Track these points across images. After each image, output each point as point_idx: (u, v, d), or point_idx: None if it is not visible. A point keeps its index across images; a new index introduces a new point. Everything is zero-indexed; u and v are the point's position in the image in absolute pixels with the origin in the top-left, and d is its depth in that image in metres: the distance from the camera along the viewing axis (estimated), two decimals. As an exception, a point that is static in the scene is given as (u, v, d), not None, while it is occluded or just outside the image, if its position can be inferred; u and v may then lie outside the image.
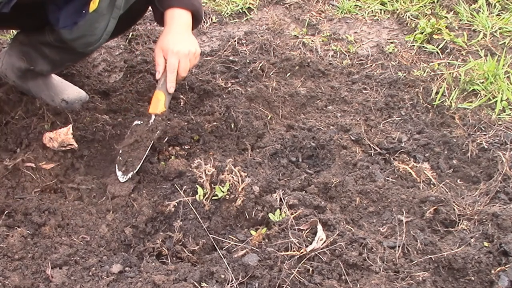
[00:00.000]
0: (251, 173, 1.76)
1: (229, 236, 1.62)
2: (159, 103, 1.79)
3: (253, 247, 1.53)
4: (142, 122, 1.85)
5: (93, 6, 1.56)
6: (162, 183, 1.79)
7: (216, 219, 1.66)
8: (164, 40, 1.79)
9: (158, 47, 1.82)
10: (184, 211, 1.67)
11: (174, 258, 1.59)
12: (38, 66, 1.98)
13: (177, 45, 1.77)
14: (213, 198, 1.67)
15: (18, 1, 1.49)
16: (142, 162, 1.78)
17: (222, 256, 1.53)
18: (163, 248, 1.60)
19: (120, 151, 1.83)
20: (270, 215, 1.63)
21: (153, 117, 1.81)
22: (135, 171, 1.78)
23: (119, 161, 1.82)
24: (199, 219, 1.65)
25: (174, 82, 1.79)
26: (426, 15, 2.90)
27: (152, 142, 1.81)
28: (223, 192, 1.65)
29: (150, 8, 2.00)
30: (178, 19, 1.82)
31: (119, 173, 1.80)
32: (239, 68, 2.43)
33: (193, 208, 1.66)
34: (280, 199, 1.68)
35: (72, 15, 1.61)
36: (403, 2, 3.00)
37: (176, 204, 1.68)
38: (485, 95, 2.32)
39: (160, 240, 1.62)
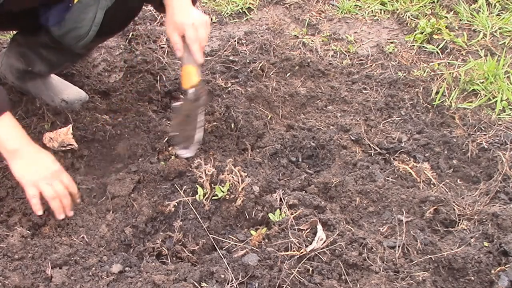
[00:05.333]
0: (251, 173, 1.76)
1: (229, 236, 1.62)
2: (191, 76, 1.77)
3: (253, 247, 1.53)
4: (180, 101, 1.86)
5: None
6: (162, 183, 1.79)
7: (216, 219, 1.66)
8: (174, 17, 1.75)
9: (170, 26, 1.77)
10: (184, 211, 1.67)
11: (174, 258, 1.59)
12: (36, 67, 1.98)
13: (189, 17, 1.73)
14: (213, 198, 1.67)
15: (7, 9, 1.50)
16: (197, 132, 1.81)
17: (222, 256, 1.53)
18: (163, 248, 1.59)
19: (173, 133, 1.87)
20: (270, 215, 1.63)
21: (190, 90, 1.78)
22: (194, 142, 1.82)
23: (177, 142, 1.87)
24: (199, 219, 1.65)
25: (200, 52, 1.75)
26: (426, 15, 2.90)
27: (202, 111, 1.81)
28: (223, 192, 1.65)
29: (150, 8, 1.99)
30: None
31: (181, 152, 1.84)
32: (239, 68, 2.43)
33: (193, 208, 1.66)
34: (280, 199, 1.68)
35: (60, 11, 1.62)
36: (403, 2, 3.00)
37: (176, 204, 1.68)
38: (485, 95, 2.32)
39: (160, 240, 1.61)
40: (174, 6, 1.75)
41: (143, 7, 2.17)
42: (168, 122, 2.06)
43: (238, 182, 1.67)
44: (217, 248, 1.59)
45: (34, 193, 1.57)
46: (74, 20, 1.64)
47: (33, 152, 1.59)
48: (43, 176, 1.58)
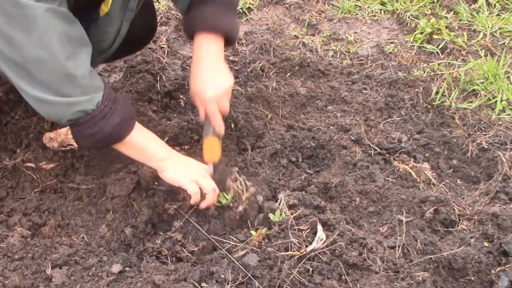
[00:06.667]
0: (255, 183, 1.75)
1: (229, 236, 1.62)
2: (214, 150, 1.66)
3: (253, 247, 1.53)
4: None
5: (104, 9, 1.50)
6: (162, 184, 1.78)
7: (216, 221, 1.66)
8: (197, 83, 1.62)
9: (192, 90, 1.66)
10: (185, 212, 1.67)
11: (174, 258, 1.59)
12: None
13: (210, 89, 1.60)
14: (217, 205, 1.66)
15: None
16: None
17: (222, 256, 1.53)
18: (163, 248, 1.59)
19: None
20: (270, 215, 1.63)
21: (211, 165, 1.67)
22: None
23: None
24: (200, 220, 1.65)
25: (221, 124, 1.65)
26: (426, 15, 2.90)
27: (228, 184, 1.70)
28: (227, 199, 1.65)
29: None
30: (207, 49, 1.61)
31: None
32: (239, 68, 2.43)
33: (193, 221, 1.66)
34: (283, 201, 1.68)
35: (84, 22, 1.51)
36: (403, 2, 3.00)
37: (176, 207, 1.68)
38: (485, 95, 2.32)
39: (160, 240, 1.61)
40: (198, 63, 1.61)
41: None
42: (168, 122, 2.06)
43: (243, 191, 1.67)
44: (217, 248, 1.59)
45: (196, 190, 1.58)
46: (99, 34, 1.57)
47: (179, 155, 1.64)
48: (198, 173, 1.61)
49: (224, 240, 1.60)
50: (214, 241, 1.61)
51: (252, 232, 1.58)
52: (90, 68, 1.38)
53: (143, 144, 1.55)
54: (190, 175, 1.59)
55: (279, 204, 1.68)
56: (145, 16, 1.76)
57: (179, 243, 1.61)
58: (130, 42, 1.68)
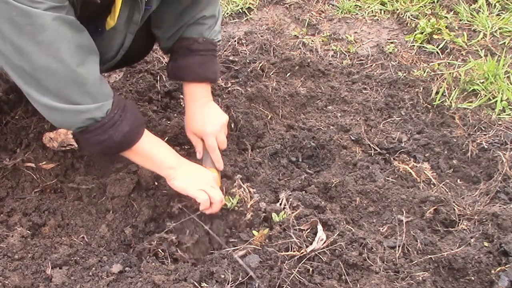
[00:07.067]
0: (259, 190, 1.76)
1: (230, 238, 1.62)
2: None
3: (255, 247, 1.53)
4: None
5: (111, 23, 1.49)
6: (162, 183, 1.78)
7: (218, 221, 1.66)
8: (194, 124, 1.77)
9: (189, 132, 1.80)
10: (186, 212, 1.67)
11: (173, 259, 1.59)
12: None
13: (208, 125, 1.75)
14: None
15: None
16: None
17: (222, 256, 1.53)
18: (163, 248, 1.59)
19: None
20: (273, 214, 1.62)
21: None
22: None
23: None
24: (200, 220, 1.65)
25: (220, 159, 1.77)
26: (426, 15, 2.90)
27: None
28: (232, 203, 1.65)
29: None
30: (199, 97, 1.77)
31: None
32: (239, 68, 2.43)
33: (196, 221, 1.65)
34: (285, 200, 1.68)
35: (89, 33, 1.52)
36: (403, 2, 3.00)
37: (177, 204, 1.68)
38: (485, 95, 2.32)
39: (160, 240, 1.61)
40: (193, 109, 1.76)
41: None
42: (168, 122, 2.06)
43: (247, 198, 1.67)
44: (217, 248, 1.59)
45: (205, 198, 1.58)
46: (104, 46, 1.57)
47: (187, 163, 1.64)
48: (206, 182, 1.61)
49: (230, 240, 1.60)
50: (218, 238, 1.60)
51: (254, 232, 1.58)
52: (99, 75, 1.38)
53: (153, 152, 1.55)
54: (198, 183, 1.59)
55: (280, 204, 1.68)
56: (147, 28, 1.77)
57: (179, 243, 1.61)
58: (131, 53, 1.69)
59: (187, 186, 1.58)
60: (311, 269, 1.46)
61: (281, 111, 2.24)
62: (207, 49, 1.75)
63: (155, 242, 1.60)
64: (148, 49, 1.98)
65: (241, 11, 2.95)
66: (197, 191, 1.58)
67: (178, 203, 1.67)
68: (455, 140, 2.08)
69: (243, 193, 1.68)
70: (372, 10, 2.98)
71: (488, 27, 2.76)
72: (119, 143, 1.44)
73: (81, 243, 1.62)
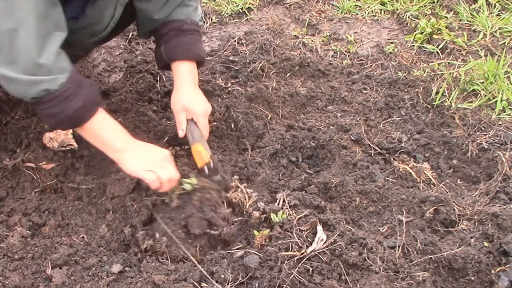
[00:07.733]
0: (256, 189, 1.75)
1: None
2: (202, 154, 1.75)
3: (255, 247, 1.53)
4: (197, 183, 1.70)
5: None
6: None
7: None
8: (185, 99, 1.80)
9: (179, 106, 1.81)
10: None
11: (173, 259, 1.59)
12: None
13: (200, 105, 1.81)
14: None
15: None
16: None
17: (222, 256, 1.53)
18: (163, 248, 1.59)
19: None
20: (272, 215, 1.62)
21: (205, 167, 1.74)
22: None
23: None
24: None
25: (207, 132, 1.84)
26: (426, 15, 2.90)
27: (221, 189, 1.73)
28: (191, 185, 1.63)
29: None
30: (189, 74, 1.82)
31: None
32: (239, 68, 2.43)
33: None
34: (283, 200, 1.68)
35: (79, 4, 1.58)
36: (403, 2, 3.00)
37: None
38: (485, 95, 2.32)
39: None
40: (183, 85, 1.81)
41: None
42: (168, 122, 2.06)
43: (245, 199, 1.67)
44: (217, 248, 1.59)
45: (153, 178, 1.58)
46: (95, 17, 1.61)
47: (137, 144, 1.62)
48: (155, 162, 1.60)
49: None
50: (180, 244, 1.58)
51: (255, 232, 1.58)
52: (59, 50, 1.41)
53: (102, 133, 1.55)
54: (146, 164, 1.59)
55: (278, 203, 1.68)
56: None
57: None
58: (117, 24, 1.74)
59: (134, 168, 1.58)
60: (311, 269, 1.46)
61: (281, 111, 2.24)
62: (194, 30, 1.83)
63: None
64: (131, 19, 2.01)
65: (241, 11, 2.95)
66: (144, 172, 1.57)
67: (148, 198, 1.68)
68: (455, 140, 2.08)
69: (239, 194, 1.68)
70: (372, 10, 2.98)
71: (488, 27, 2.76)
72: (71, 118, 1.46)
73: (81, 243, 1.62)
